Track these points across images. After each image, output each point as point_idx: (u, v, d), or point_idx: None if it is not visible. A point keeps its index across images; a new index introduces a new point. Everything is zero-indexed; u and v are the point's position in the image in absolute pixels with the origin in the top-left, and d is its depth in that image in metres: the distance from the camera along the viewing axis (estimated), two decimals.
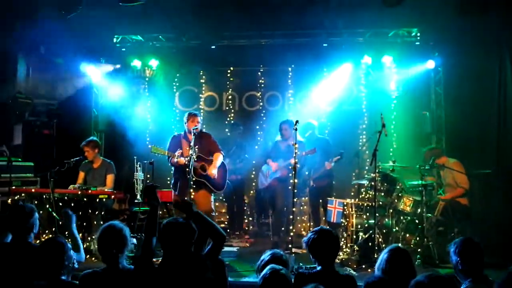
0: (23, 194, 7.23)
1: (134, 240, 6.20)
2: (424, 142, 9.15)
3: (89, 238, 6.86)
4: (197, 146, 6.91)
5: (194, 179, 6.80)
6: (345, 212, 7.46)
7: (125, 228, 3.80)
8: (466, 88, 8.38)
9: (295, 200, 6.99)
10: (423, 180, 7.10)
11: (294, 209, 7.01)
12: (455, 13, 7.49)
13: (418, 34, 9.27)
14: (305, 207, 9.18)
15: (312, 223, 8.36)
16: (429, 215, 7.20)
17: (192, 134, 6.86)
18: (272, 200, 8.18)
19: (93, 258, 6.41)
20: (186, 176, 6.85)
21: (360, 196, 8.02)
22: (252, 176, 9.77)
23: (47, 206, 6.98)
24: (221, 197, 9.00)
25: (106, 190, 7.45)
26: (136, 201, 7.97)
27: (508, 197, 7.44)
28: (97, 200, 7.07)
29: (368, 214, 7.21)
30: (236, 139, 9.14)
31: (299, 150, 7.09)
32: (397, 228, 7.32)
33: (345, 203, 7.51)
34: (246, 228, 9.34)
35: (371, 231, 6.85)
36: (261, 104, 10.33)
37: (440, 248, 6.84)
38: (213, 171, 6.98)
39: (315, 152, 7.64)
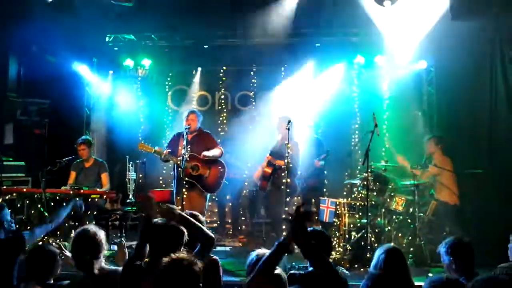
0: (14, 194, 7.18)
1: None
2: (417, 142, 9.18)
3: None
4: (190, 146, 6.91)
5: (186, 179, 6.80)
6: (337, 212, 7.48)
7: (99, 233, 3.69)
8: (458, 88, 8.40)
9: (287, 199, 6.99)
10: (415, 180, 7.14)
11: (286, 208, 7.01)
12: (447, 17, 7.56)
13: None
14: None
15: None
16: (421, 214, 7.24)
17: (184, 133, 6.86)
18: (265, 201, 8.15)
19: None
20: (178, 176, 6.87)
21: (353, 196, 8.03)
22: (245, 175, 9.75)
23: (39, 206, 6.94)
24: (213, 197, 8.97)
25: (103, 189, 7.44)
26: (128, 200, 7.95)
27: (499, 196, 7.48)
28: (89, 200, 7.04)
29: (360, 213, 7.23)
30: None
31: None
32: (389, 228, 7.35)
33: (337, 203, 7.53)
34: (239, 228, 9.33)
35: (363, 231, 6.86)
36: (253, 103, 10.32)
37: (432, 247, 6.87)
38: (206, 153, 7.02)
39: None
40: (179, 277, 2.80)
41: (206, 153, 7.07)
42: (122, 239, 6.91)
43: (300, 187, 8.20)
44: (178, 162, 6.91)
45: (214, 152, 7.15)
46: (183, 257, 2.87)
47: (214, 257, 4.05)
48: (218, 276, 3.96)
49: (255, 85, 10.29)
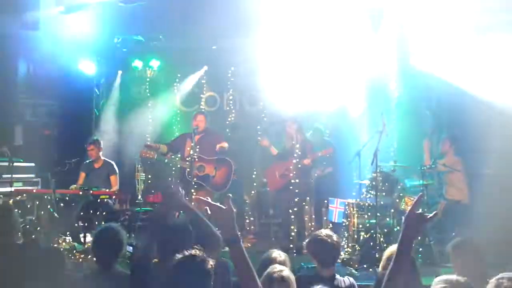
0: (24, 195, 7.23)
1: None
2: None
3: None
4: (199, 147, 6.94)
5: (194, 180, 6.84)
6: (346, 212, 7.47)
7: (122, 232, 3.75)
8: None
9: (296, 199, 7.00)
10: (423, 180, 7.10)
11: (295, 209, 7.02)
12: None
13: None
14: (306, 207, 9.16)
15: (313, 223, 8.38)
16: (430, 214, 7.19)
17: (193, 134, 6.91)
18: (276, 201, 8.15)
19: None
20: (184, 177, 6.90)
21: (362, 196, 8.00)
22: (253, 176, 9.75)
23: (49, 206, 6.98)
24: None
25: (112, 190, 7.47)
26: (137, 201, 7.97)
27: (509, 197, 7.42)
28: (98, 200, 7.08)
29: (369, 214, 7.20)
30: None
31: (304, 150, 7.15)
32: (398, 228, 7.30)
33: (346, 203, 7.52)
34: (248, 228, 9.33)
35: (372, 231, 6.84)
36: (261, 103, 10.27)
37: (441, 247, 6.84)
38: (223, 144, 7.23)
39: (332, 152, 7.63)
40: (192, 273, 2.81)
41: (222, 144, 7.12)
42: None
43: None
44: (184, 165, 6.96)
45: (222, 144, 7.23)
46: (196, 254, 2.89)
47: (224, 259, 4.06)
48: (228, 277, 3.96)
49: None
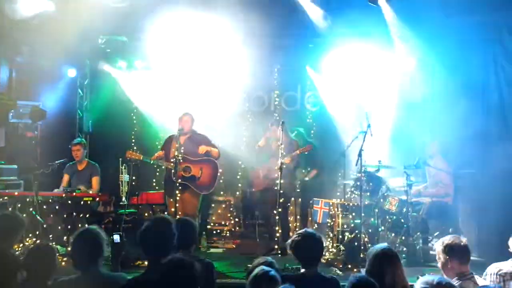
0: (6, 198, 7.13)
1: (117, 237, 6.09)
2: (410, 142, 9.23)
3: None
4: (184, 147, 6.92)
5: (179, 181, 6.82)
6: (331, 212, 7.50)
7: (101, 235, 3.63)
8: (452, 88, 8.42)
9: (281, 200, 6.99)
10: (408, 180, 7.15)
11: (280, 209, 7.02)
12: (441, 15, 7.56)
13: None
14: (291, 207, 9.17)
15: (298, 224, 8.40)
16: (414, 214, 7.25)
17: (178, 135, 6.89)
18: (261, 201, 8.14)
19: None
20: (170, 178, 6.89)
21: (346, 196, 8.04)
22: (238, 177, 9.74)
23: (31, 209, 6.89)
24: None
25: (93, 193, 7.41)
26: (121, 203, 7.91)
27: (492, 196, 7.49)
28: (82, 202, 7.01)
29: (354, 214, 7.22)
30: None
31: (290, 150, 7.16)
32: (382, 228, 7.36)
33: (331, 203, 7.55)
34: (233, 229, 9.31)
35: (357, 231, 6.86)
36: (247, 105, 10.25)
37: (425, 247, 6.89)
38: (204, 147, 7.11)
39: (311, 149, 7.60)
40: (180, 277, 2.89)
41: (204, 147, 7.09)
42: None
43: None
44: (169, 166, 6.95)
45: (212, 148, 7.18)
46: (183, 258, 2.97)
47: (208, 260, 4.07)
48: (212, 278, 3.96)
49: None
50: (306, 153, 7.53)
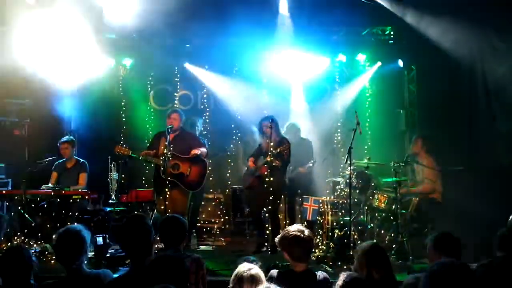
0: None
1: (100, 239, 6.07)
2: (398, 140, 9.29)
3: None
4: (172, 145, 6.91)
5: (168, 178, 6.81)
6: (320, 210, 7.51)
7: (83, 232, 3.57)
8: (439, 86, 8.49)
9: (270, 198, 6.99)
10: (396, 177, 7.17)
11: (269, 207, 7.03)
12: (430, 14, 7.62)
13: (392, 33, 9.33)
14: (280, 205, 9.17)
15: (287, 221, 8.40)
16: (404, 211, 7.29)
17: (167, 132, 6.87)
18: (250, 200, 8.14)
19: None
20: (159, 176, 6.88)
21: (336, 194, 8.05)
22: (228, 175, 9.73)
23: (19, 207, 6.85)
24: None
25: (79, 189, 7.37)
26: (110, 201, 7.88)
27: (480, 193, 7.55)
28: (71, 200, 6.97)
29: (343, 211, 7.25)
30: None
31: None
32: (372, 225, 7.40)
33: (320, 201, 7.56)
34: (223, 227, 9.29)
35: (346, 228, 6.88)
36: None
37: (414, 244, 6.93)
38: (196, 151, 7.08)
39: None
40: (169, 273, 2.91)
41: (196, 151, 7.08)
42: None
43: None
44: (159, 163, 6.94)
45: (201, 149, 7.19)
46: (172, 255, 3.03)
47: (197, 255, 4.06)
48: (202, 273, 3.95)
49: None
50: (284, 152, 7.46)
